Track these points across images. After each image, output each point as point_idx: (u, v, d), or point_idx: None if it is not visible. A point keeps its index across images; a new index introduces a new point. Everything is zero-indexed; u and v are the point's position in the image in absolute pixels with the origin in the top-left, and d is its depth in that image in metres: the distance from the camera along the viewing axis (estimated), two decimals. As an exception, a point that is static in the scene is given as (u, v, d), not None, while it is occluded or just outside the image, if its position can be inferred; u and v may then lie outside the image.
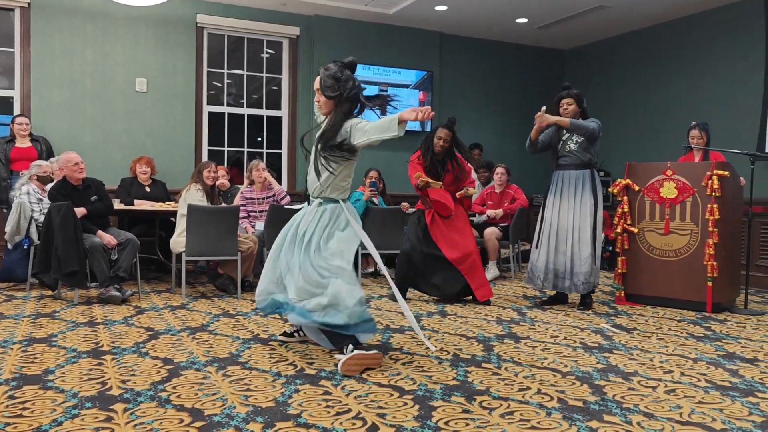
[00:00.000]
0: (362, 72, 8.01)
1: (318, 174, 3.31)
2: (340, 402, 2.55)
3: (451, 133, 4.93)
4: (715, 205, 4.67)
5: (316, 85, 3.34)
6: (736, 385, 2.86)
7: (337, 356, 3.16)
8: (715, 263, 4.66)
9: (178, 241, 5.15)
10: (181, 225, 5.13)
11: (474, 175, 5.64)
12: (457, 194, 5.04)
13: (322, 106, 3.36)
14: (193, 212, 5.01)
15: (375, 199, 6.55)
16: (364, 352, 3.03)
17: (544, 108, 4.73)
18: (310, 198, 3.44)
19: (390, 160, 8.04)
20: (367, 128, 3.23)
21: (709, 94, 7.30)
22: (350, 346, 3.05)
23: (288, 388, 2.72)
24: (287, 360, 3.19)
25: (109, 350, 3.34)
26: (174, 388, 2.70)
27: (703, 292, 4.71)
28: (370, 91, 8.04)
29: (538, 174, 8.72)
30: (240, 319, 4.24)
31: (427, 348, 3.42)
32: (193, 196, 5.23)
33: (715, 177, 4.68)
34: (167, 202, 6.22)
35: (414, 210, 5.27)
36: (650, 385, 2.85)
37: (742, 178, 5.11)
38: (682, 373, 3.04)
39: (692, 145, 5.35)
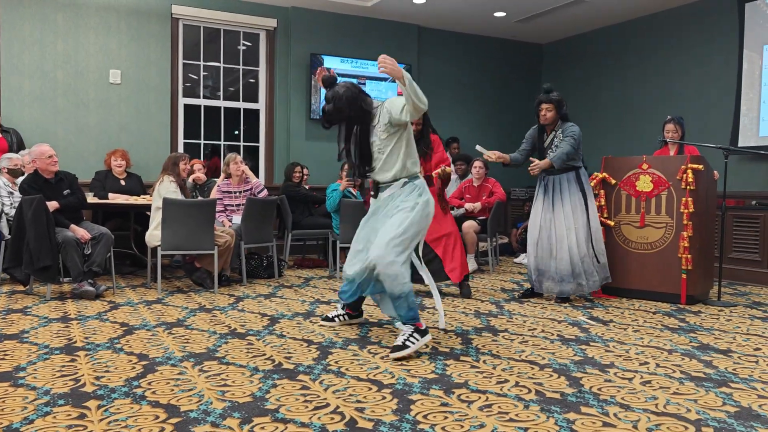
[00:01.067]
0: (340, 65, 7.97)
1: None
2: (318, 397, 2.53)
3: (423, 116, 4.90)
4: (689, 199, 4.73)
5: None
6: (710, 376, 2.90)
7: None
8: (689, 256, 4.72)
9: (153, 235, 5.08)
10: (156, 218, 5.06)
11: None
12: (434, 173, 4.98)
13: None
14: (169, 206, 4.94)
15: (354, 191, 6.52)
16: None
17: (535, 161, 4.75)
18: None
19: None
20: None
21: (683, 88, 7.39)
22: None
23: (265, 383, 2.69)
24: (265, 355, 3.16)
25: (83, 346, 3.28)
26: (149, 384, 2.66)
27: (678, 285, 4.77)
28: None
29: (516, 168, 8.75)
30: (217, 314, 4.20)
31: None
32: (167, 188, 5.15)
33: (689, 171, 4.73)
34: (142, 196, 6.13)
35: None
36: (626, 376, 2.87)
37: (716, 172, 5.18)
38: (658, 365, 3.08)
39: (667, 139, 5.40)
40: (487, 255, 6.85)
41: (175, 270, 6.24)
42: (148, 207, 5.62)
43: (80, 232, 4.73)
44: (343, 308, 3.96)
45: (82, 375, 2.77)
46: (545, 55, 9.43)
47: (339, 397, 2.52)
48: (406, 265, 3.29)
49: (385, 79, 8.22)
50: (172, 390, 2.58)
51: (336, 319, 3.93)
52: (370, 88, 8.14)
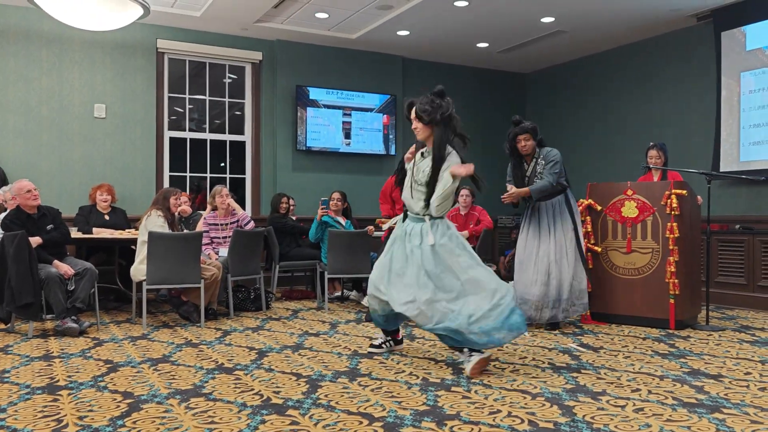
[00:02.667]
0: (325, 96, 8.02)
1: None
2: (308, 432, 2.48)
3: None
4: (674, 224, 4.76)
5: (412, 115, 3.64)
6: (702, 402, 2.88)
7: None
8: (676, 281, 4.74)
9: (139, 269, 5.02)
10: (141, 252, 5.01)
11: None
12: None
13: (419, 132, 3.63)
14: (155, 239, 4.89)
15: (342, 221, 6.51)
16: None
17: (510, 187, 4.79)
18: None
19: (355, 183, 8.03)
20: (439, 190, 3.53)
21: (665, 115, 7.50)
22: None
23: (254, 419, 2.64)
24: (253, 390, 3.11)
25: (66, 385, 3.21)
26: (134, 423, 2.60)
27: (666, 310, 4.77)
28: (334, 115, 8.08)
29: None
30: (204, 349, 4.13)
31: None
32: (154, 222, 5.11)
33: (673, 196, 4.78)
34: (127, 230, 6.07)
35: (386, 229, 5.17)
36: (619, 404, 2.85)
37: (699, 197, 5.23)
38: (650, 391, 3.06)
39: (651, 165, 5.46)
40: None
41: (160, 304, 6.15)
42: (132, 241, 5.56)
43: (63, 267, 4.66)
44: (386, 335, 4.02)
45: (65, 415, 2.70)
46: (529, 85, 9.56)
47: (329, 432, 2.48)
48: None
49: (370, 110, 8.28)
50: (158, 429, 2.52)
51: (383, 345, 4.00)
52: (355, 118, 8.19)
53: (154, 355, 3.92)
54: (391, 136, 8.36)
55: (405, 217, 3.73)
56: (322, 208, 6.24)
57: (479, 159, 9.73)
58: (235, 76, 7.95)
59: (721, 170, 6.63)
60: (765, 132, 6.39)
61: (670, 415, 2.68)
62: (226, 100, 7.92)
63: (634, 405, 2.83)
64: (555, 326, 4.79)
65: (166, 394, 3.02)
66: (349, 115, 8.17)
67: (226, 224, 5.86)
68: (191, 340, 4.45)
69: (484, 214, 6.88)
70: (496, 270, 8.07)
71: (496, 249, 8.61)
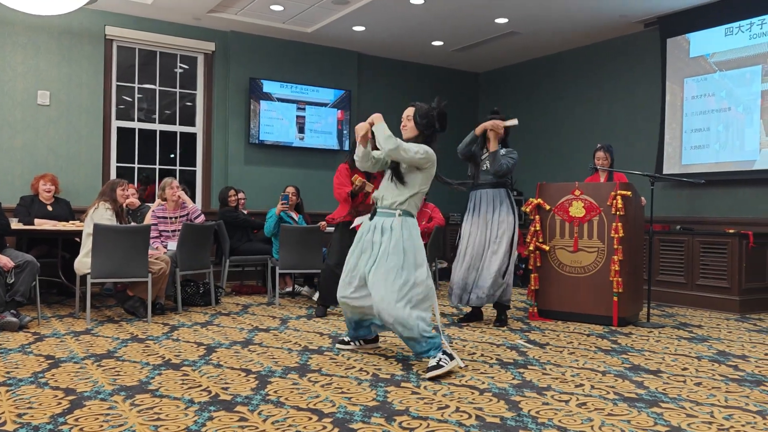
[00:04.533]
0: (279, 89, 7.95)
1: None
2: (257, 428, 2.46)
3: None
4: (619, 224, 4.91)
5: (409, 113, 3.80)
6: (641, 397, 2.99)
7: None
8: (620, 279, 4.89)
9: (83, 262, 4.88)
10: (86, 245, 4.87)
11: None
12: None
13: (407, 130, 3.78)
14: (100, 231, 4.76)
15: (295, 216, 6.47)
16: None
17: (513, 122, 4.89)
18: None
19: (308, 178, 7.99)
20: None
21: (612, 117, 7.72)
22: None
23: (201, 416, 2.60)
24: (201, 386, 3.06)
25: (4, 381, 3.10)
26: (76, 420, 2.53)
27: (610, 307, 4.92)
28: (288, 109, 8.01)
29: (455, 192, 8.89)
30: (150, 344, 4.05)
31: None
32: (102, 215, 4.98)
33: (619, 197, 4.92)
34: (71, 222, 5.89)
35: (338, 224, 5.15)
36: (563, 399, 2.93)
37: (643, 198, 5.40)
38: (593, 386, 3.15)
39: (598, 167, 5.62)
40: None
41: (105, 299, 6.00)
42: (76, 233, 5.41)
43: (3, 260, 4.49)
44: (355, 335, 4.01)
45: (2, 413, 2.61)
46: (482, 84, 9.69)
47: (278, 429, 2.47)
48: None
49: (325, 105, 8.24)
50: (101, 426, 2.46)
51: (351, 343, 3.98)
52: (309, 113, 8.15)
53: (98, 351, 3.82)
54: (345, 132, 8.34)
55: (373, 214, 3.72)
56: (282, 203, 6.21)
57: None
58: (186, 67, 7.80)
59: (664, 173, 6.87)
60: (705, 137, 6.65)
61: (612, 410, 2.77)
62: (177, 90, 7.75)
63: (578, 400, 2.91)
64: (503, 323, 4.88)
65: (110, 391, 2.95)
66: (303, 109, 8.12)
67: (176, 217, 5.75)
68: (137, 335, 4.35)
69: (437, 211, 6.94)
70: (448, 267, 8.16)
71: (448, 246, 8.71)
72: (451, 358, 3.40)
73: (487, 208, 4.87)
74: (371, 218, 3.71)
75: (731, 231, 5.93)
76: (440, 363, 3.31)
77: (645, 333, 4.69)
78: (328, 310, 5.34)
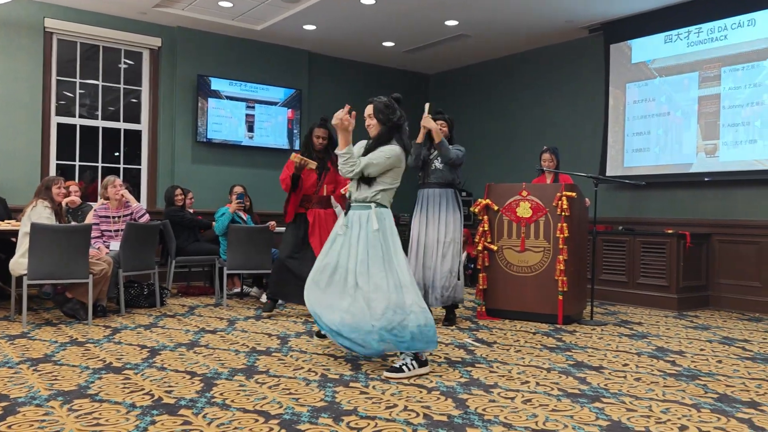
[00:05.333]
0: (228, 87, 7.83)
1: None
2: (201, 431, 2.41)
3: (327, 131, 5.14)
4: (564, 224, 5.02)
5: (368, 111, 3.75)
6: (584, 392, 3.06)
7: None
8: (565, 278, 5.00)
9: (19, 263, 4.69)
10: (23, 245, 4.68)
11: None
12: (342, 190, 5.01)
13: (372, 128, 3.73)
14: (38, 231, 4.58)
15: (243, 216, 6.38)
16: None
17: (427, 105, 4.90)
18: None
19: (257, 177, 7.89)
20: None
21: (558, 120, 7.89)
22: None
23: (143, 420, 2.53)
24: (143, 389, 2.98)
25: (-69, 388, 2.95)
26: (9, 427, 2.43)
27: (555, 306, 5.03)
28: (237, 107, 7.89)
29: (405, 193, 8.92)
30: (90, 347, 3.92)
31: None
32: (40, 214, 4.79)
33: (564, 198, 5.04)
34: (7, 221, 5.65)
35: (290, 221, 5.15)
36: (509, 396, 2.97)
37: (587, 199, 5.54)
38: (538, 383, 3.21)
39: (544, 168, 5.74)
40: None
41: (43, 301, 5.78)
42: (13, 233, 5.19)
43: (-68, 260, 4.28)
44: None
45: (-71, 421, 2.48)
46: (432, 85, 9.76)
47: (223, 431, 2.42)
48: None
49: (275, 104, 8.16)
50: (37, 432, 2.37)
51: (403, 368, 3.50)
52: (258, 111, 8.05)
53: (35, 355, 3.68)
54: (295, 131, 8.27)
55: (348, 209, 3.69)
56: (237, 202, 6.12)
57: (383, 157, 9.66)
58: (131, 62, 7.59)
59: (607, 175, 7.06)
60: (646, 140, 6.87)
61: (556, 405, 2.83)
62: (121, 86, 7.54)
63: (523, 396, 2.96)
64: (452, 322, 4.92)
65: (46, 396, 2.84)
66: (253, 107, 8.01)
67: (119, 217, 5.59)
68: (77, 338, 4.21)
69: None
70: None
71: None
72: (422, 365, 3.37)
73: (434, 208, 4.91)
74: (346, 213, 3.68)
75: (670, 231, 6.15)
76: (403, 367, 3.29)
77: (588, 330, 4.80)
78: (276, 308, 5.29)
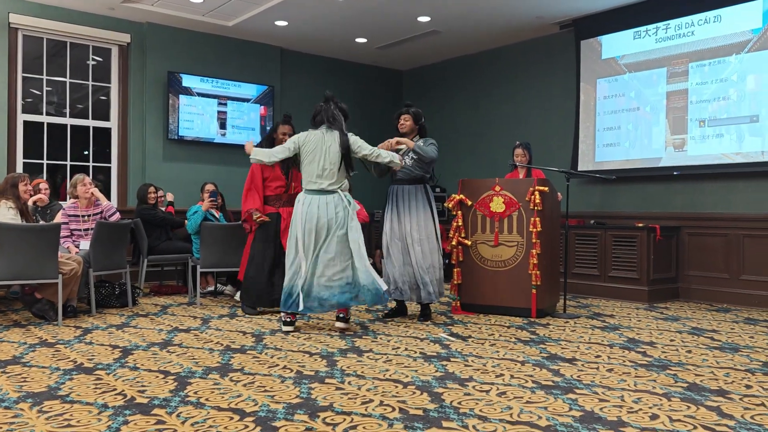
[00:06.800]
0: (200, 84, 7.74)
1: None
2: (175, 431, 2.39)
3: (291, 128, 5.14)
4: (537, 219, 5.07)
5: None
6: (558, 384, 3.09)
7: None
8: (538, 272, 5.05)
9: (-15, 264, 4.58)
10: (-11, 246, 4.57)
11: None
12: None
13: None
14: (4, 231, 4.48)
15: (216, 214, 6.32)
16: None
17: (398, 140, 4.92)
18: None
19: (230, 175, 7.81)
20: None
21: (530, 115, 7.96)
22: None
23: (115, 420, 2.50)
24: (115, 389, 2.94)
25: None
26: (-23, 431, 2.37)
27: (529, 299, 5.08)
28: (208, 104, 7.81)
29: (381, 189, 8.93)
30: (61, 348, 3.85)
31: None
32: (4, 214, 4.69)
33: (536, 192, 5.08)
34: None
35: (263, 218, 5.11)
36: (484, 389, 2.99)
37: (559, 194, 5.60)
38: (512, 376, 3.24)
39: (517, 163, 5.79)
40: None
41: (11, 302, 5.66)
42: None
43: None
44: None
45: None
46: (405, 81, 9.77)
47: (198, 430, 2.40)
48: None
49: (247, 100, 8.09)
50: (5, 435, 2.32)
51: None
52: (230, 108, 7.98)
53: (3, 357, 3.60)
54: (268, 128, 8.21)
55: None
56: (211, 200, 6.07)
57: (357, 153, 9.65)
58: (100, 59, 7.46)
59: (578, 169, 7.15)
60: (616, 135, 6.96)
61: (530, 398, 2.86)
62: (90, 83, 7.41)
63: (498, 389, 2.99)
64: (427, 317, 4.94)
65: (15, 398, 2.79)
66: (225, 104, 7.94)
67: (89, 215, 5.49)
68: (47, 339, 4.13)
69: (360, 208, 6.94)
70: (372, 263, 8.20)
71: (372, 242, 8.74)
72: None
73: (404, 204, 4.91)
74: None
75: (640, 225, 6.25)
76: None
77: (561, 323, 4.86)
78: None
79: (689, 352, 3.89)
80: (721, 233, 6.16)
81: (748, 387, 3.08)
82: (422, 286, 4.83)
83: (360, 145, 4.51)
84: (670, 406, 2.76)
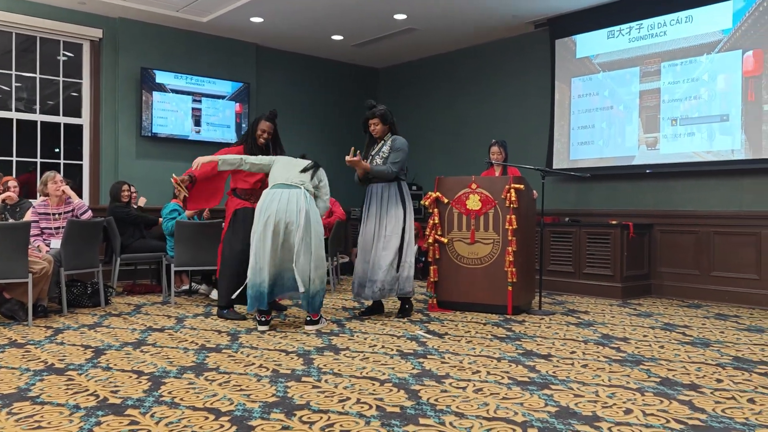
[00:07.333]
0: (174, 80, 7.65)
1: None
2: (149, 431, 2.35)
3: (273, 126, 4.98)
4: (513, 216, 5.10)
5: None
6: (533, 380, 3.12)
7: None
8: (514, 269, 5.08)
9: (-48, 264, 4.47)
10: (-44, 245, 4.47)
11: None
12: None
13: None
14: (-28, 230, 4.38)
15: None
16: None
17: (353, 149, 4.85)
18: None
19: (205, 173, 7.72)
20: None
21: (506, 114, 8.01)
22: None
23: (87, 421, 2.46)
24: (88, 390, 2.89)
25: None
26: (-57, 434, 2.32)
27: (505, 296, 5.11)
28: (183, 101, 7.71)
29: (357, 187, 8.90)
30: (31, 349, 3.77)
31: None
32: (-28, 211, 4.58)
33: (512, 190, 5.11)
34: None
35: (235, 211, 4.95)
36: (461, 385, 3.00)
37: (534, 192, 5.64)
38: (488, 372, 3.26)
39: (493, 161, 5.82)
40: (328, 274, 6.86)
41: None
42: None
43: None
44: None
45: None
46: (382, 79, 9.77)
47: (172, 430, 2.37)
48: None
49: (222, 97, 8.02)
50: (-27, 438, 2.27)
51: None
52: (205, 105, 7.90)
53: (-29, 359, 3.52)
54: (243, 125, 8.15)
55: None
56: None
57: (334, 150, 9.82)
58: (71, 54, 7.33)
59: (554, 167, 7.21)
60: (590, 133, 7.04)
61: (506, 394, 2.87)
62: (61, 79, 7.27)
63: (474, 386, 3.00)
64: (407, 313, 4.94)
65: (-17, 401, 2.73)
66: (199, 101, 7.86)
67: (60, 214, 5.39)
68: (16, 340, 4.04)
69: (337, 205, 6.93)
70: (349, 261, 8.19)
71: (349, 240, 8.72)
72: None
73: (377, 203, 4.91)
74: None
75: (614, 222, 6.33)
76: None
77: (537, 320, 4.90)
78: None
79: (662, 347, 3.94)
80: (692, 230, 6.27)
81: (718, 381, 3.14)
82: (368, 283, 4.81)
83: (323, 184, 4.72)
84: (643, 400, 2.80)
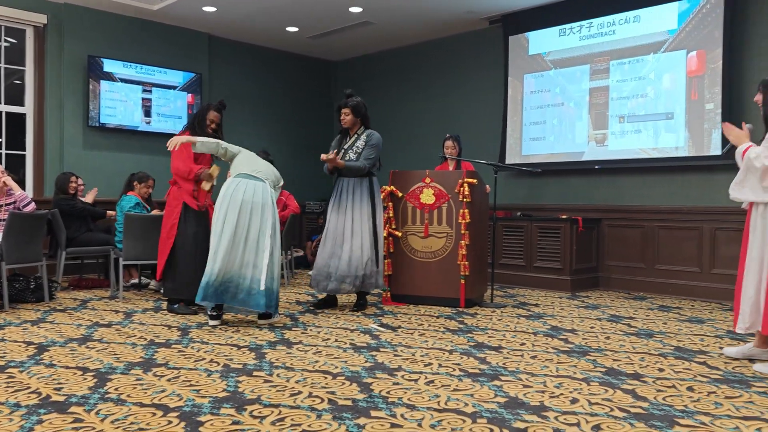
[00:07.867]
0: (123, 69, 7.44)
1: None
2: (94, 429, 2.30)
3: (220, 116, 4.89)
4: (466, 210, 5.16)
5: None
6: (484, 371, 3.17)
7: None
8: (467, 263, 5.14)
9: None
10: None
11: None
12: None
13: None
14: None
15: (146, 206, 6.11)
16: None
17: (332, 152, 4.89)
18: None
19: (155, 164, 7.56)
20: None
21: (460, 109, 8.08)
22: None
23: (29, 420, 2.38)
24: (29, 388, 2.80)
25: None
26: None
27: (457, 289, 5.17)
28: (132, 90, 7.52)
29: (312, 180, 8.87)
30: (-31, 346, 3.63)
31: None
32: None
33: (466, 185, 5.17)
34: None
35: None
36: (412, 378, 3.03)
37: (487, 186, 5.72)
38: (440, 365, 3.29)
39: (447, 155, 5.86)
40: (282, 268, 6.81)
41: None
42: None
43: None
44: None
45: None
46: (337, 73, 9.72)
47: (118, 427, 2.32)
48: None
49: (173, 87, 7.85)
50: None
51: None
52: (156, 95, 7.72)
53: None
54: (195, 117, 7.99)
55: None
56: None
57: (290, 142, 9.71)
58: (14, 40, 7.05)
59: (506, 162, 7.32)
60: (542, 129, 7.17)
61: (457, 385, 2.91)
62: (2, 66, 6.99)
63: (426, 378, 3.03)
64: (362, 306, 4.95)
65: None
66: (150, 91, 7.67)
67: (1, 206, 5.20)
68: (-47, 337, 3.89)
69: (291, 198, 6.88)
70: (303, 255, 8.14)
71: (303, 234, 8.68)
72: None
73: (349, 197, 4.90)
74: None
75: (564, 217, 6.46)
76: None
77: (489, 313, 4.97)
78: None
79: (608, 338, 4.06)
80: (638, 225, 6.45)
81: (660, 370, 3.24)
82: (339, 277, 4.80)
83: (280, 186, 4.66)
84: (589, 390, 2.87)
